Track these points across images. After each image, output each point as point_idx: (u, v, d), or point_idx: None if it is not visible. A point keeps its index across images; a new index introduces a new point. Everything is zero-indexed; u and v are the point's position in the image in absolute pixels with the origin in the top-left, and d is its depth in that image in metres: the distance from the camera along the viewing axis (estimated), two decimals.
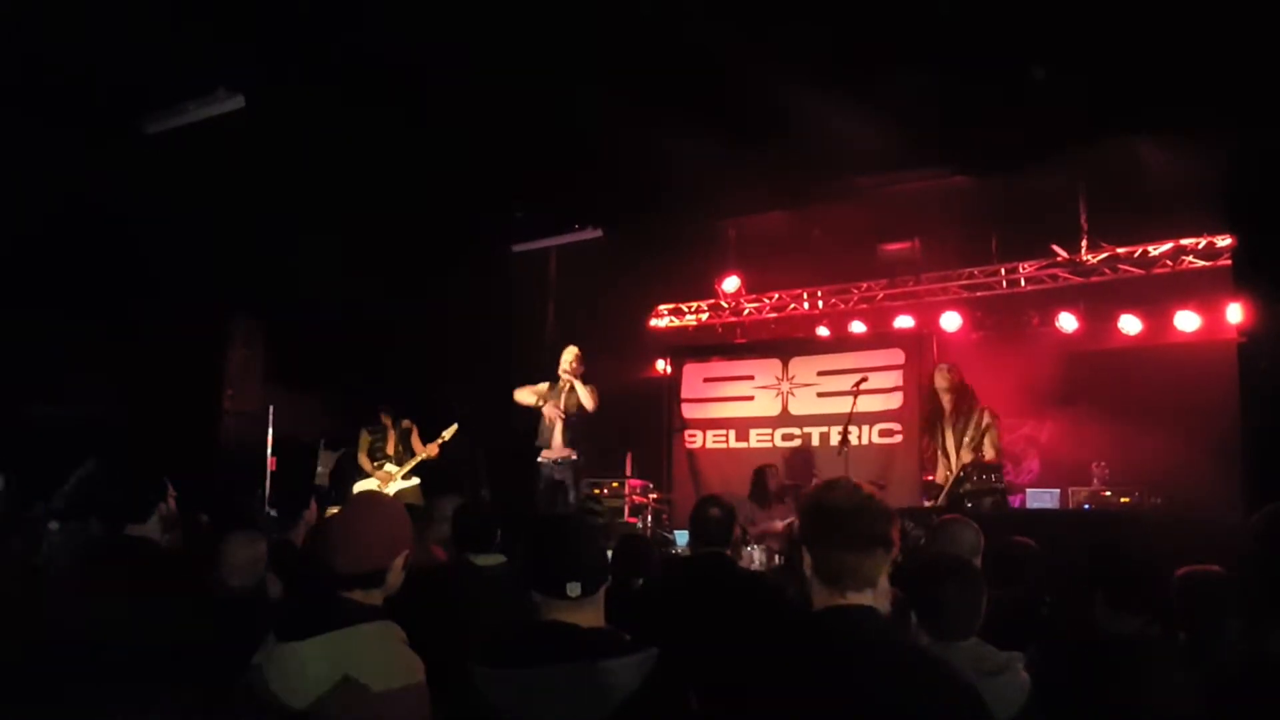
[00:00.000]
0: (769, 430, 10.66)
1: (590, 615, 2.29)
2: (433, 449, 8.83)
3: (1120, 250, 9.44)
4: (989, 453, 7.19)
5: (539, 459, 8.33)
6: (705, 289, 11.90)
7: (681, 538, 9.04)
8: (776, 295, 11.58)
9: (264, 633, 2.37)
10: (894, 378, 9.97)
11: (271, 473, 8.74)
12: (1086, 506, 8.40)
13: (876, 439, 9.86)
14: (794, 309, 11.56)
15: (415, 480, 8.90)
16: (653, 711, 2.09)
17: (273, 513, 7.85)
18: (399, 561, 2.48)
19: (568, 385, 8.25)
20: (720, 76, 6.79)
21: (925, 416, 8.60)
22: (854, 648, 1.89)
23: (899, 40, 6.52)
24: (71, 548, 4.19)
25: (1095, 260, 9.54)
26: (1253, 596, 2.99)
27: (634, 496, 9.70)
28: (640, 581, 4.22)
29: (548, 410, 8.32)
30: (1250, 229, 7.06)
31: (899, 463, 9.64)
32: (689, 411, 11.14)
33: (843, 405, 8.67)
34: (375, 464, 8.95)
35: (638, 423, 11.20)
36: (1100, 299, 9.69)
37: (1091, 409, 9.39)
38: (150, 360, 8.64)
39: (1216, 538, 4.78)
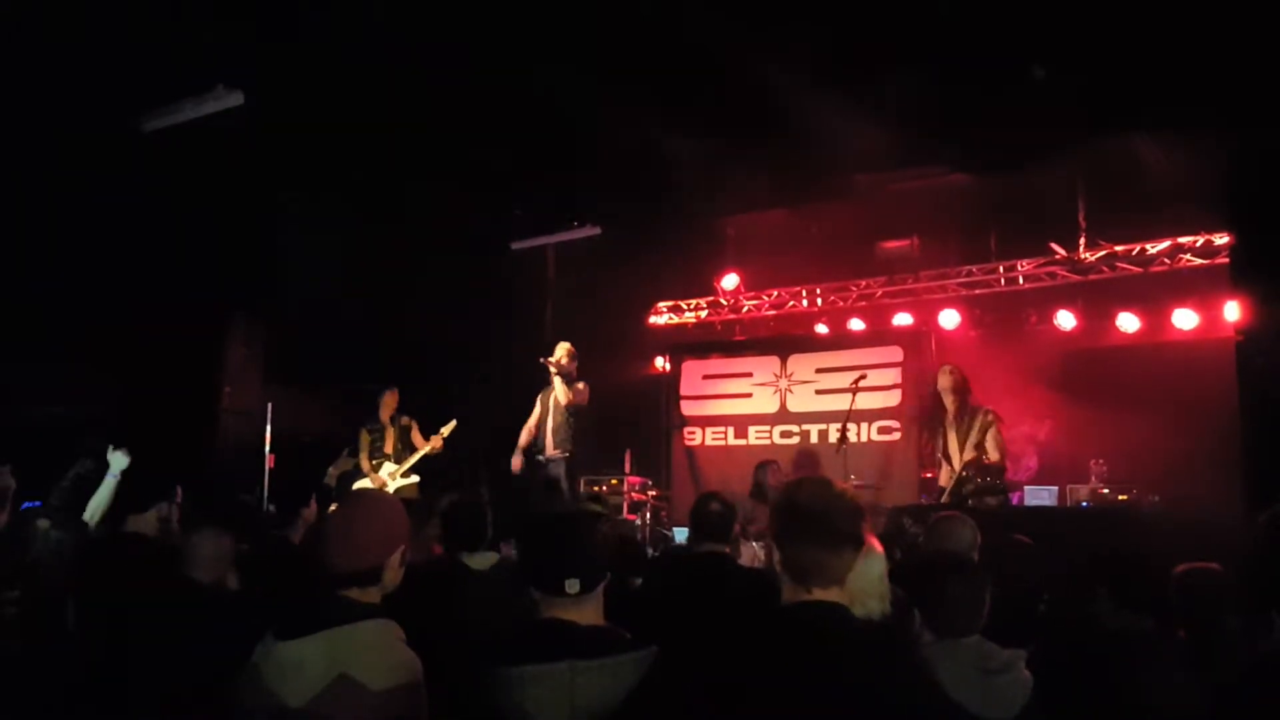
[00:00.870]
0: (768, 427, 10.67)
1: (589, 612, 2.30)
2: (436, 442, 8.79)
3: (1118, 248, 9.45)
4: (993, 454, 7.18)
5: (537, 457, 8.32)
6: (704, 286, 11.91)
7: (680, 535, 9.05)
8: (775, 292, 11.59)
9: (228, 627, 2.36)
10: (892, 375, 9.97)
11: (270, 470, 8.73)
12: (1085, 504, 8.40)
13: (875, 436, 9.87)
14: (793, 306, 11.56)
15: (414, 478, 8.89)
16: (652, 708, 2.09)
17: (270, 509, 7.85)
18: (396, 558, 2.47)
19: (552, 382, 8.19)
20: (719, 74, 6.79)
21: (927, 417, 8.60)
22: (818, 641, 1.90)
23: (898, 39, 6.52)
24: (62, 547, 4.18)
25: (1093, 258, 9.55)
26: (1253, 594, 3.00)
27: (633, 494, 9.71)
28: (638, 581, 4.21)
29: (537, 411, 8.33)
30: (1248, 227, 7.06)
31: (897, 460, 9.65)
32: (688, 409, 11.15)
33: (841, 402, 8.67)
34: (373, 464, 8.94)
35: (636, 420, 11.21)
36: (1098, 297, 9.71)
37: (1090, 407, 9.39)
38: (149, 358, 8.62)
39: (1214, 535, 4.79)
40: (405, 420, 9.06)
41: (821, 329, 11.24)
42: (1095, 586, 3.54)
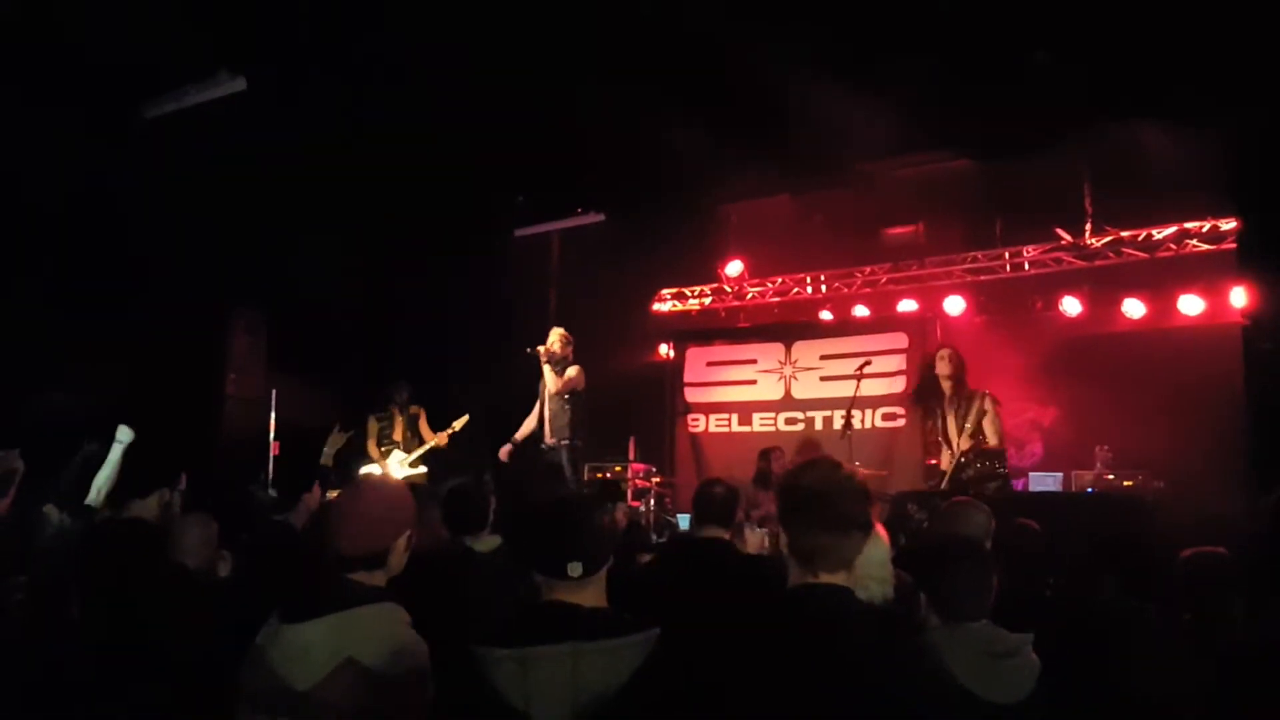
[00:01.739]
0: (772, 414, 10.67)
1: (592, 595, 2.29)
2: (443, 438, 8.80)
3: (1124, 234, 9.41)
4: (991, 439, 7.16)
5: (540, 446, 8.31)
6: (708, 273, 11.89)
7: (685, 522, 9.05)
8: (779, 279, 11.56)
9: (217, 611, 2.37)
10: (897, 362, 9.97)
11: (275, 457, 8.75)
12: (1090, 490, 8.39)
13: (879, 423, 9.87)
14: (797, 293, 11.54)
15: (423, 469, 8.90)
16: (654, 691, 2.09)
17: (272, 494, 7.86)
18: (401, 542, 2.48)
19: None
20: (723, 61, 6.77)
21: (924, 400, 8.59)
22: (824, 625, 1.89)
23: (902, 25, 6.50)
24: (67, 532, 4.20)
25: (1099, 244, 9.51)
26: (1258, 578, 3.00)
27: (637, 480, 9.72)
28: (645, 557, 4.22)
29: (538, 401, 8.30)
30: (1255, 212, 7.04)
31: (902, 446, 9.65)
32: (692, 395, 11.15)
33: (846, 389, 8.67)
34: (382, 450, 8.95)
35: (641, 407, 11.22)
36: (1104, 283, 9.67)
37: (1095, 393, 9.37)
38: (153, 347, 8.63)
39: (1219, 520, 4.79)
40: (414, 409, 9.07)
41: (826, 315, 11.22)
42: (1101, 571, 3.54)
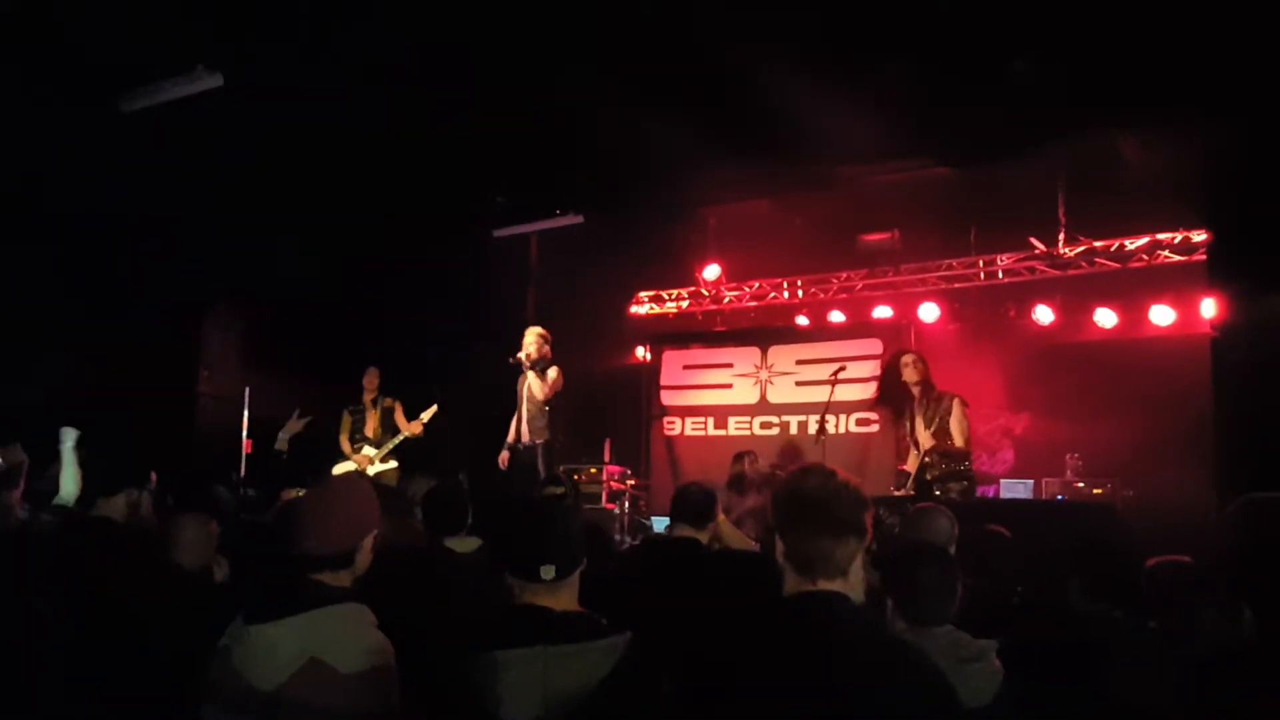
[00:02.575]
0: (747, 418, 10.69)
1: (565, 598, 2.30)
2: (416, 426, 8.75)
3: (1097, 244, 9.50)
4: (957, 439, 7.19)
5: (516, 446, 8.29)
6: (686, 276, 11.90)
7: (659, 524, 9.06)
8: (756, 284, 11.60)
9: (213, 612, 2.36)
10: (871, 367, 10.01)
11: (247, 455, 8.69)
12: (1060, 497, 8.46)
13: (854, 428, 9.91)
14: (774, 298, 11.58)
15: (394, 464, 8.86)
16: (626, 694, 2.09)
17: (249, 493, 7.79)
18: (368, 542, 2.47)
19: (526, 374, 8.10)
20: (703, 65, 6.78)
21: (890, 403, 8.64)
22: (823, 632, 1.89)
23: (881, 31, 6.53)
24: (29, 530, 4.16)
25: (1072, 253, 9.60)
26: (1224, 585, 3.03)
27: (612, 482, 9.72)
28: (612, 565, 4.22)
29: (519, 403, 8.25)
30: (1225, 225, 7.12)
31: (875, 452, 9.69)
32: (668, 398, 11.16)
33: (821, 394, 8.69)
34: (354, 446, 8.90)
35: (617, 409, 11.22)
36: (1076, 292, 9.76)
37: (1066, 401, 9.46)
38: (125, 342, 8.55)
39: (1187, 529, 4.83)
40: (388, 402, 9.02)
41: (802, 321, 11.27)
42: (1069, 578, 3.57)
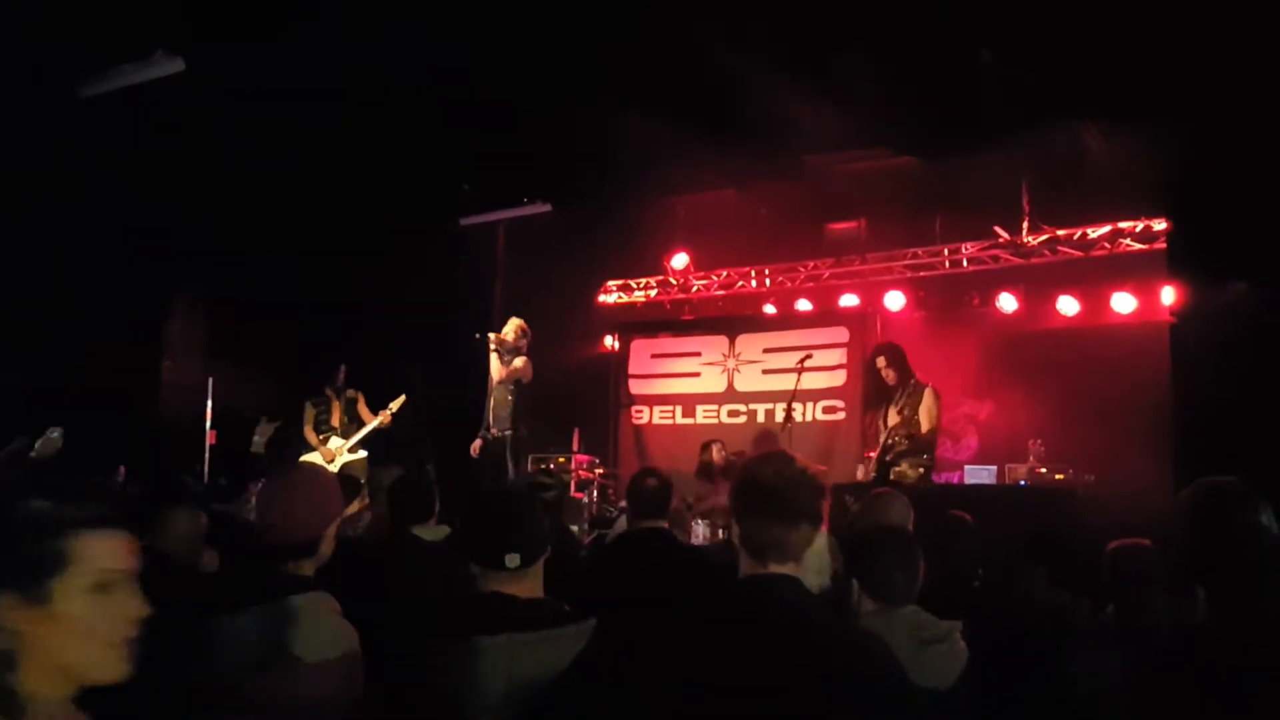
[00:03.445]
0: (715, 406, 10.75)
1: (529, 586, 2.31)
2: (385, 416, 8.70)
3: (1060, 232, 9.60)
4: (924, 425, 7.24)
5: (484, 435, 8.26)
6: (654, 266, 11.90)
7: None
8: (724, 273, 11.63)
9: (199, 604, 2.35)
10: (838, 355, 10.09)
11: (211, 446, 8.61)
12: (1022, 483, 8.57)
13: (820, 416, 9.99)
14: (741, 287, 11.61)
15: (362, 454, 8.82)
16: (590, 681, 2.10)
17: (221, 481, 7.74)
18: (331, 530, 2.47)
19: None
20: (670, 54, 6.77)
21: (869, 396, 8.68)
22: (771, 614, 1.92)
23: (847, 20, 6.55)
24: None
25: (1036, 242, 9.69)
26: (1179, 569, 3.09)
27: (580, 472, 9.73)
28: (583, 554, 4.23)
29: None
30: (1184, 214, 7.22)
31: (842, 439, 9.78)
32: (636, 387, 11.19)
33: (788, 382, 8.74)
34: (320, 437, 8.83)
35: (585, 398, 11.23)
36: (1040, 280, 9.86)
37: (1029, 388, 9.56)
38: (85, 331, 8.44)
39: (1147, 513, 4.91)
40: (352, 393, 8.96)
41: (769, 309, 11.31)
42: (1031, 563, 3.62)
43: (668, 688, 1.86)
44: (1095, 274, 9.59)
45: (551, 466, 9.83)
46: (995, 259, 10.03)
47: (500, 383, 7.97)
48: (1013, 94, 7.20)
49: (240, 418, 8.83)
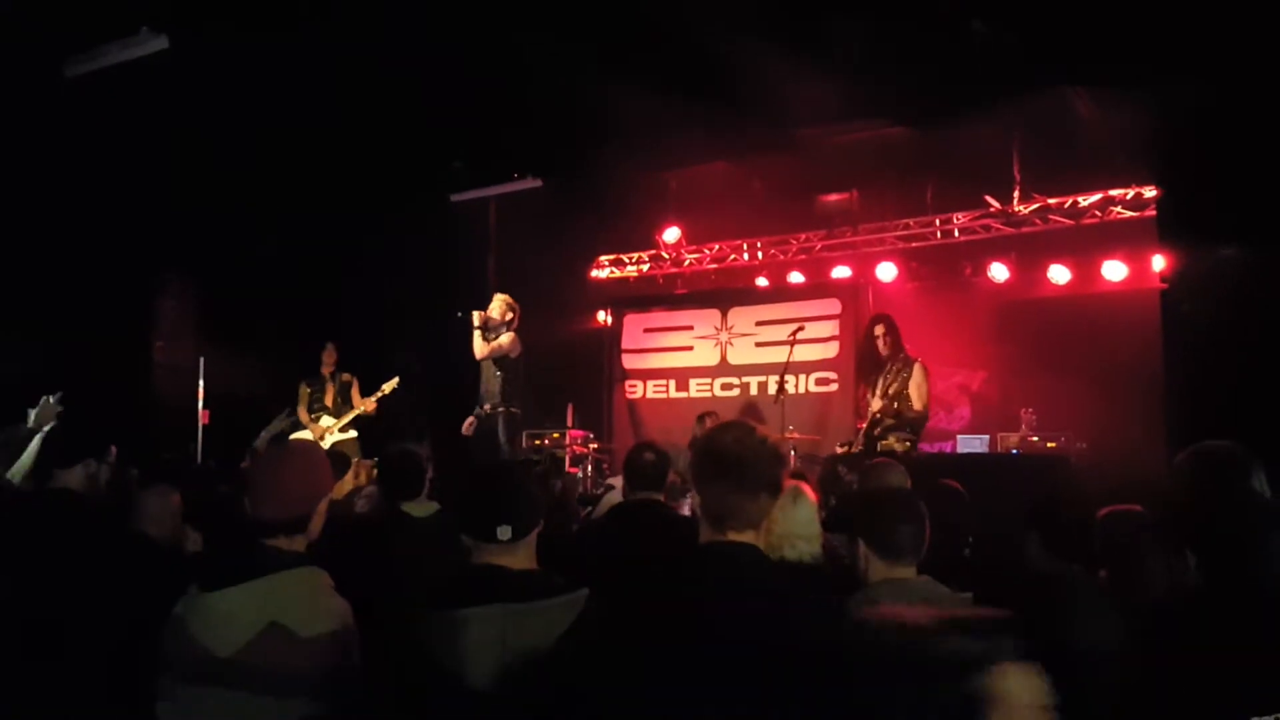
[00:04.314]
0: (708, 380, 10.75)
1: (521, 558, 2.31)
2: (370, 404, 8.75)
3: (1051, 201, 9.59)
4: (915, 403, 7.25)
5: (477, 412, 8.27)
6: (646, 240, 11.87)
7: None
8: (716, 246, 11.60)
9: (182, 582, 2.35)
10: (830, 327, 10.09)
11: (204, 427, 8.60)
12: (1015, 451, 8.60)
13: (813, 388, 10.00)
14: (733, 260, 11.59)
15: (353, 433, 8.83)
16: (583, 650, 2.11)
17: (211, 464, 7.74)
18: (322, 506, 2.48)
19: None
20: (661, 26, 6.72)
21: (862, 366, 8.67)
22: (729, 579, 1.93)
23: None
24: None
25: (1027, 211, 9.68)
26: (1172, 532, 3.10)
27: (575, 447, 9.74)
28: (575, 528, 4.25)
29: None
30: (1174, 181, 7.21)
31: (834, 411, 9.80)
32: (629, 362, 11.19)
33: (780, 355, 8.75)
34: (312, 416, 8.86)
35: (579, 374, 11.24)
36: (1031, 249, 9.85)
37: (1022, 357, 9.59)
38: (76, 312, 8.40)
39: (1140, 479, 4.93)
40: (346, 377, 9.00)
41: (762, 282, 11.30)
42: (1024, 530, 3.63)
43: (650, 655, 1.87)
44: (1086, 242, 9.59)
45: (546, 442, 9.84)
46: (987, 228, 10.02)
47: (482, 359, 7.97)
48: (1002, 61, 7.17)
49: (236, 398, 8.81)
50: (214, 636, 2.22)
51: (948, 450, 9.16)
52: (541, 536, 2.46)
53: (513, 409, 8.06)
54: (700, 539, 2.01)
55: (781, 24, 6.65)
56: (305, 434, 8.62)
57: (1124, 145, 8.17)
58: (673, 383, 10.95)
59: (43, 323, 8.17)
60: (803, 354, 9.15)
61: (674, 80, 7.43)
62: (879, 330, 7.54)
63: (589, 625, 2.16)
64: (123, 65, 7.03)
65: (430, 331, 10.50)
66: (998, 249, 9.97)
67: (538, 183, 10.02)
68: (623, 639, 1.90)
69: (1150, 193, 8.99)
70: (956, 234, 10.21)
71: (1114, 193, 9.37)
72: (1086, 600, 3.27)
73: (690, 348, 10.96)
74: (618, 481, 7.48)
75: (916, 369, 7.29)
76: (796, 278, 11.10)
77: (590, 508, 6.75)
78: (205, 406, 8.63)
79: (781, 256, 11.28)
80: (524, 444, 9.11)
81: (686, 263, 11.85)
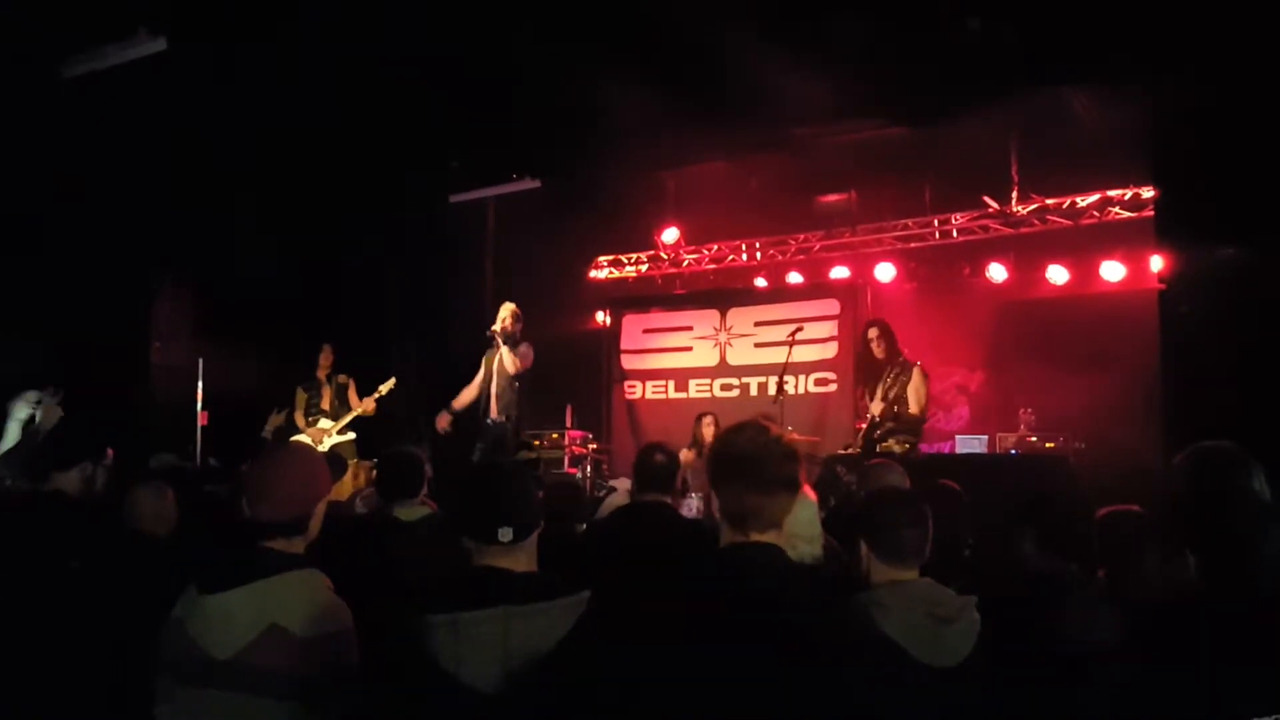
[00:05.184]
0: (707, 380, 10.76)
1: (523, 560, 2.30)
2: (369, 404, 8.73)
3: (1049, 201, 9.60)
4: (913, 407, 7.25)
5: (485, 421, 8.19)
6: (644, 240, 11.89)
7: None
8: (715, 246, 11.62)
9: (179, 578, 2.35)
10: (829, 328, 10.10)
11: (203, 427, 8.58)
12: (1013, 451, 8.61)
13: (812, 388, 10.01)
14: (732, 260, 11.60)
15: (350, 435, 8.82)
16: (584, 653, 2.11)
17: (213, 462, 7.74)
18: (320, 508, 2.48)
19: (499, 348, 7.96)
20: (659, 26, 6.72)
21: (861, 369, 8.67)
22: (754, 580, 1.93)
23: None
24: None
25: (1025, 211, 9.69)
26: (1169, 532, 3.11)
27: (574, 447, 9.73)
28: (582, 527, 4.24)
29: (481, 373, 8.10)
30: (1173, 181, 7.20)
31: (833, 411, 9.80)
32: (628, 363, 11.19)
33: (779, 355, 8.75)
34: (309, 421, 8.84)
35: (578, 374, 11.23)
36: (1029, 250, 9.87)
37: (1020, 357, 9.60)
38: (74, 312, 8.38)
39: (1138, 479, 4.94)
40: (343, 378, 8.99)
41: (761, 282, 11.31)
42: (1022, 530, 3.64)
43: (659, 657, 1.87)
44: (1084, 242, 9.61)
45: (545, 443, 9.83)
46: (985, 229, 10.03)
47: (513, 375, 7.84)
48: (1000, 61, 7.17)
49: (234, 399, 8.79)
50: (213, 638, 2.21)
51: (946, 450, 9.17)
52: (544, 538, 2.45)
53: (514, 418, 8.03)
54: (721, 541, 2.01)
55: (779, 23, 6.65)
56: (302, 438, 8.60)
57: (1122, 146, 8.17)
58: (672, 383, 10.95)
59: (42, 323, 8.16)
60: (801, 354, 9.15)
61: (672, 80, 7.43)
62: (873, 334, 7.55)
63: (591, 627, 2.16)
64: (121, 66, 7.02)
65: (429, 332, 10.49)
66: (996, 249, 9.99)
67: (536, 183, 10.01)
68: (635, 640, 1.90)
69: (1148, 193, 9.00)
70: (955, 234, 10.23)
71: (1112, 193, 9.38)
72: (1084, 599, 3.28)
73: (689, 348, 10.97)
74: (619, 483, 7.49)
75: (915, 373, 7.29)
76: (795, 278, 11.12)
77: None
78: (204, 407, 8.61)
79: (780, 257, 11.29)
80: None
81: (685, 263, 11.85)
